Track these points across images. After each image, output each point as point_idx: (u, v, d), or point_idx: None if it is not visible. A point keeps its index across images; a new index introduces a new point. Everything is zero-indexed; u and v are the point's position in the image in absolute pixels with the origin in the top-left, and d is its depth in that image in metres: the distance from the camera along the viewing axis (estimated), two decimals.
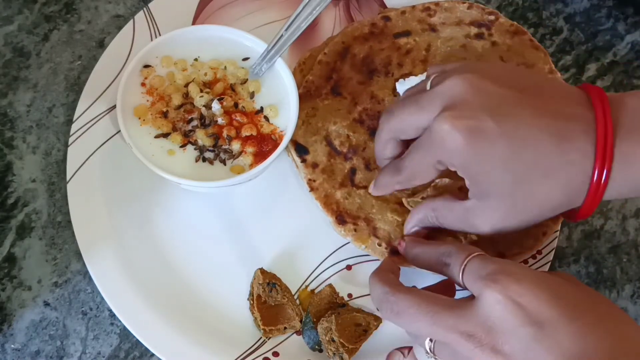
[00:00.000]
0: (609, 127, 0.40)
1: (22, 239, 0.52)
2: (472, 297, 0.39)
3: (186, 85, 0.52)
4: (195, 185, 0.49)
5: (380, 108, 0.55)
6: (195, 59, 0.54)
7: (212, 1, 0.60)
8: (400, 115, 0.45)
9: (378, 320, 0.51)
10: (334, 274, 0.53)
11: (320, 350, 0.50)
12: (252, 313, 0.50)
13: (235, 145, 0.51)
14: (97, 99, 0.54)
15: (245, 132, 0.51)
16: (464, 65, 0.46)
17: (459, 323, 0.38)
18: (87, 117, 0.54)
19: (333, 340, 0.49)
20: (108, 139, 0.54)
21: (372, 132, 0.55)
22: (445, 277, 0.44)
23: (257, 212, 0.54)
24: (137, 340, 0.49)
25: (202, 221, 0.53)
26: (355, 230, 0.52)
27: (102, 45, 0.58)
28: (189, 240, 0.53)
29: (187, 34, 0.54)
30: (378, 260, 0.52)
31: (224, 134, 0.51)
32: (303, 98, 0.54)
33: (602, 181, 0.41)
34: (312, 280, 0.52)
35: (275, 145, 0.51)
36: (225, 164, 0.51)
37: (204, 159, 0.50)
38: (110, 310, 0.50)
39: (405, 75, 0.56)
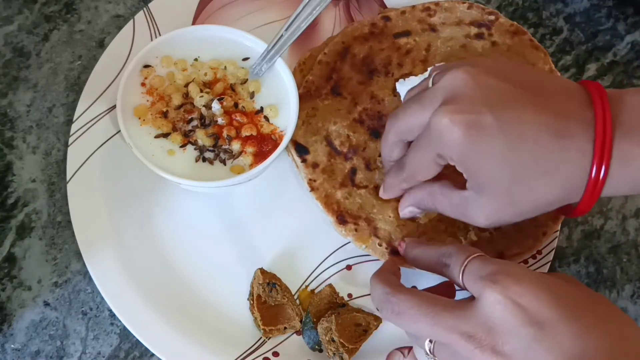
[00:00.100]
0: (608, 124, 0.40)
1: (22, 239, 0.52)
2: (472, 298, 0.40)
3: (186, 85, 0.52)
4: (195, 185, 0.49)
5: (380, 108, 0.56)
6: (195, 59, 0.54)
7: (212, 1, 0.60)
8: (404, 116, 0.45)
9: (378, 320, 0.51)
10: (334, 274, 0.53)
11: (320, 350, 0.50)
12: (252, 313, 0.50)
13: (235, 145, 0.51)
14: (97, 99, 0.54)
15: (245, 132, 0.51)
16: (466, 61, 0.46)
17: (459, 324, 0.38)
18: (87, 117, 0.54)
19: (333, 340, 0.49)
20: (108, 139, 0.54)
21: (372, 132, 0.55)
22: (445, 278, 0.44)
23: (257, 212, 0.54)
24: (137, 340, 0.49)
25: (202, 221, 0.53)
26: (356, 230, 0.52)
27: (102, 45, 0.58)
28: (189, 240, 0.53)
29: (187, 34, 0.54)
30: (378, 260, 0.52)
31: (224, 134, 0.51)
32: (303, 98, 0.54)
33: (600, 178, 0.41)
34: (312, 280, 0.52)
35: (275, 145, 0.51)
36: (225, 164, 0.51)
37: (204, 159, 0.50)
38: (110, 310, 0.50)
39: (405, 75, 0.56)
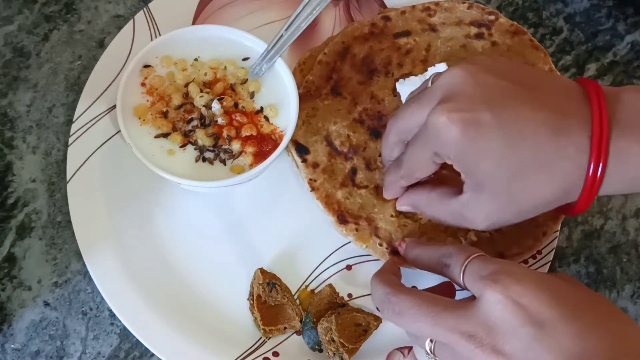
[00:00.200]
0: (605, 122, 0.40)
1: (22, 239, 0.52)
2: (472, 298, 0.40)
3: (186, 85, 0.52)
4: (195, 185, 0.49)
5: (380, 108, 0.56)
6: (195, 59, 0.54)
7: (212, 1, 0.60)
8: (403, 116, 0.45)
9: (378, 320, 0.51)
10: (334, 274, 0.53)
11: (320, 350, 0.50)
12: (252, 313, 0.50)
13: (235, 145, 0.51)
14: (97, 99, 0.54)
15: (245, 132, 0.51)
16: (465, 61, 0.46)
17: (459, 323, 0.38)
18: (87, 117, 0.54)
19: (333, 340, 0.49)
20: (108, 139, 0.54)
21: (372, 132, 0.55)
22: (445, 279, 0.44)
23: (257, 212, 0.54)
24: (137, 340, 0.49)
25: (202, 221, 0.53)
26: (356, 230, 0.52)
27: (102, 45, 0.58)
28: (189, 240, 0.53)
29: (187, 34, 0.54)
30: (378, 260, 0.52)
31: (224, 134, 0.51)
32: (303, 98, 0.54)
33: (598, 176, 0.41)
34: (312, 280, 0.52)
35: (275, 145, 0.51)
36: (225, 164, 0.51)
37: (204, 159, 0.50)
38: (110, 310, 0.50)
39: (405, 75, 0.56)
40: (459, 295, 0.44)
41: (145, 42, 0.54)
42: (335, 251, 0.53)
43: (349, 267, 0.53)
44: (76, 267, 0.52)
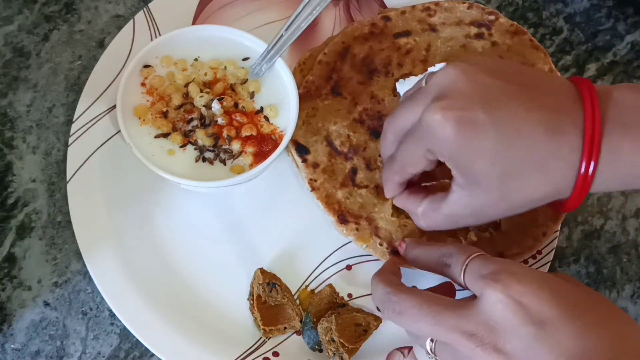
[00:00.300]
0: (597, 120, 0.40)
1: (22, 239, 0.52)
2: (473, 297, 0.40)
3: (186, 85, 0.52)
4: (195, 185, 0.49)
5: (380, 108, 0.56)
6: (195, 59, 0.54)
7: (212, 1, 0.60)
8: (399, 115, 0.45)
9: (378, 320, 0.51)
10: (334, 274, 0.53)
11: (320, 350, 0.50)
12: (252, 313, 0.50)
13: (235, 145, 0.51)
14: (97, 99, 0.54)
15: (245, 132, 0.51)
16: (460, 59, 0.46)
17: (460, 322, 0.38)
18: (87, 117, 0.54)
19: (333, 340, 0.49)
20: (108, 139, 0.54)
21: (373, 132, 0.55)
22: (445, 279, 0.44)
23: (257, 212, 0.54)
24: (137, 340, 0.49)
25: (202, 221, 0.53)
26: (357, 229, 0.52)
27: (102, 45, 0.58)
28: (189, 240, 0.53)
29: (187, 34, 0.54)
30: (378, 260, 0.52)
31: (224, 134, 0.51)
32: (303, 98, 0.54)
33: (590, 173, 0.41)
34: (312, 280, 0.52)
35: (275, 145, 0.51)
36: (225, 164, 0.51)
37: (204, 159, 0.50)
38: (110, 310, 0.50)
39: (405, 75, 0.56)
40: (460, 295, 0.44)
41: (145, 42, 0.54)
42: (335, 251, 0.53)
43: (349, 267, 0.53)
44: (76, 267, 0.52)
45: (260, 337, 0.50)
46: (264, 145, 0.51)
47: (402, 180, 0.48)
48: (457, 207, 0.44)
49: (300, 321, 0.50)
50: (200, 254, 0.52)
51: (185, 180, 0.48)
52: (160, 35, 0.57)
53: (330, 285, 0.52)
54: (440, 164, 0.44)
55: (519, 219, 0.53)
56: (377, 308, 0.44)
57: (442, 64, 0.55)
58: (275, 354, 0.50)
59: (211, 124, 0.51)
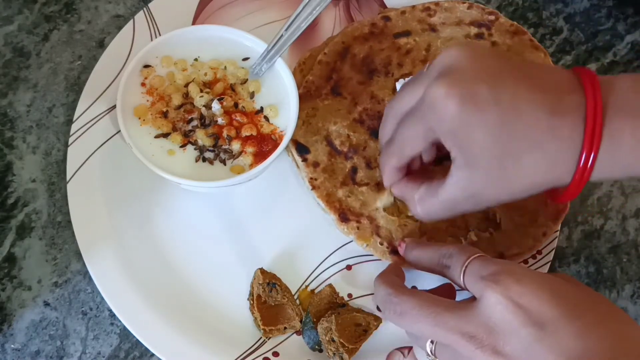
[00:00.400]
0: (599, 105, 0.40)
1: (22, 239, 0.52)
2: (473, 299, 0.40)
3: (186, 85, 0.52)
4: (195, 185, 0.49)
5: (380, 108, 0.56)
6: (195, 59, 0.54)
7: (212, 1, 0.60)
8: (400, 97, 0.45)
9: (378, 320, 0.51)
10: (334, 274, 0.53)
11: (320, 350, 0.50)
12: (252, 313, 0.50)
13: (235, 145, 0.51)
14: (97, 99, 0.54)
15: (245, 132, 0.51)
16: (461, 42, 0.46)
17: (460, 324, 0.38)
18: (87, 117, 0.54)
19: (333, 340, 0.49)
20: (108, 139, 0.54)
21: (372, 131, 0.55)
22: (445, 280, 0.44)
23: (257, 212, 0.54)
24: (137, 340, 0.49)
25: (202, 221, 0.53)
26: (358, 228, 0.52)
27: (102, 45, 0.58)
28: (189, 240, 0.53)
29: (187, 34, 0.54)
30: (378, 260, 0.52)
31: (224, 134, 0.51)
32: (303, 98, 0.54)
33: (590, 159, 0.40)
34: (312, 280, 0.52)
35: (275, 145, 0.51)
36: (225, 164, 0.51)
37: (204, 159, 0.50)
38: (110, 310, 0.50)
39: (405, 75, 0.56)
40: (460, 296, 0.44)
41: (145, 42, 0.54)
42: (335, 251, 0.53)
43: (349, 267, 0.53)
44: (76, 267, 0.52)
45: (260, 337, 0.50)
46: (264, 145, 0.51)
47: (399, 165, 0.47)
48: (456, 190, 0.43)
49: (300, 321, 0.50)
50: (200, 254, 0.52)
51: (185, 180, 0.48)
52: (160, 35, 0.57)
53: (330, 285, 0.52)
54: (438, 151, 0.44)
55: (519, 219, 0.53)
56: (378, 308, 0.44)
57: None
58: (275, 354, 0.50)
59: (211, 124, 0.51)
